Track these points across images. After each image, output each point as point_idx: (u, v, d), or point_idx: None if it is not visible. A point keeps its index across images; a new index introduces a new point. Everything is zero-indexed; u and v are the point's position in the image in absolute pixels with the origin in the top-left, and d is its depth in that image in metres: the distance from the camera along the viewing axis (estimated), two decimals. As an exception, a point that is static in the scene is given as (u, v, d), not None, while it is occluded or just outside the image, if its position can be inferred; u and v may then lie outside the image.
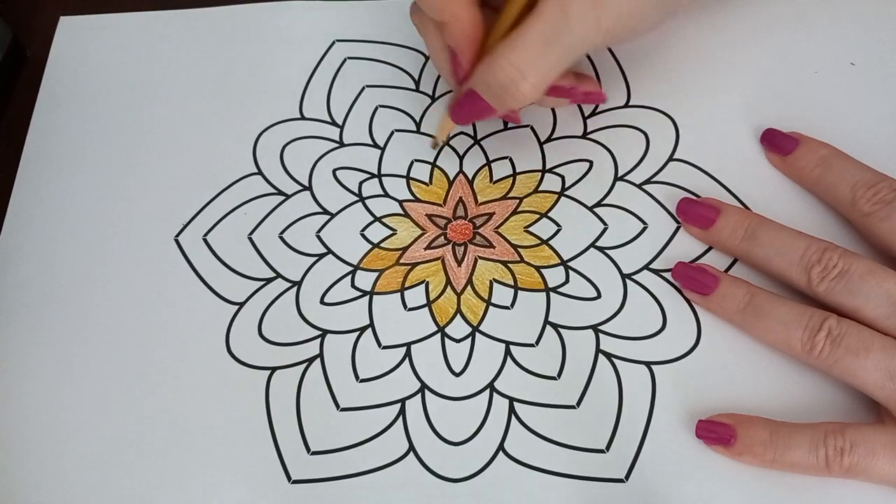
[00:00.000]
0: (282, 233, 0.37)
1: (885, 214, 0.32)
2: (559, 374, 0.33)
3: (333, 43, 0.43)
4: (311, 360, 0.34)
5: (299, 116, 0.41)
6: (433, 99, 0.41)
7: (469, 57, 0.33)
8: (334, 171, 0.39)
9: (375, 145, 0.40)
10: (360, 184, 0.38)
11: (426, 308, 0.35)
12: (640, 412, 0.32)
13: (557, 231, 0.36)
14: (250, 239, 0.37)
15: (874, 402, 0.31)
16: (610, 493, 0.31)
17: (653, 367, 0.33)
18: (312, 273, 0.36)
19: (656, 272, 0.35)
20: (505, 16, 0.33)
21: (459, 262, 0.36)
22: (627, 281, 0.35)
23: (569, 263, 0.36)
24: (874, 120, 0.37)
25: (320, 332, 0.35)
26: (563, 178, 0.38)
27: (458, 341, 0.34)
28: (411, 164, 0.39)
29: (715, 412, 0.32)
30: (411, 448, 0.32)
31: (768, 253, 0.33)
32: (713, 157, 0.37)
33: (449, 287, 0.35)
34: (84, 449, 0.33)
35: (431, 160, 0.39)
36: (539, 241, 0.36)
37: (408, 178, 0.38)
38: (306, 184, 0.39)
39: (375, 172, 0.39)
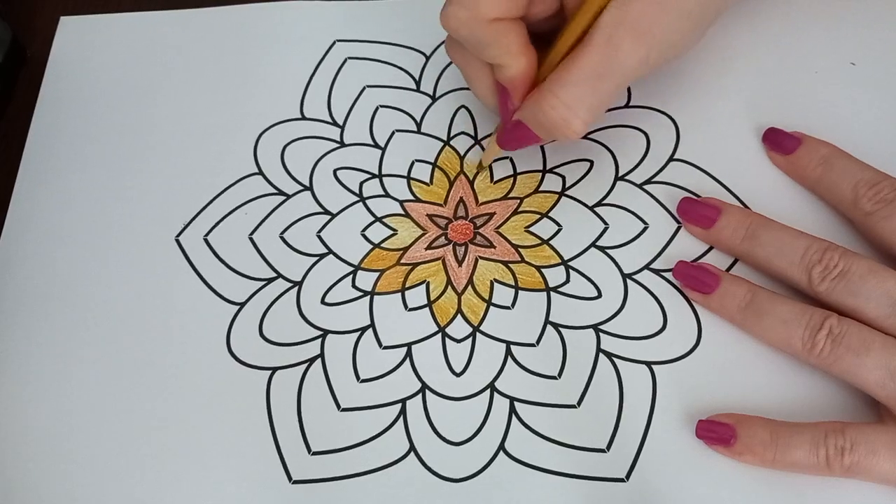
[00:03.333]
0: (282, 233, 0.37)
1: (886, 214, 0.32)
2: (560, 374, 0.33)
3: (334, 43, 0.43)
4: (311, 361, 0.34)
5: (300, 116, 0.41)
6: (434, 99, 0.41)
7: (522, 95, 0.33)
8: (335, 171, 0.39)
9: (376, 145, 0.40)
10: (361, 184, 0.39)
11: (427, 308, 0.35)
12: (641, 412, 0.32)
13: (558, 231, 0.36)
14: (251, 239, 0.37)
15: (875, 401, 0.31)
16: (610, 493, 0.31)
17: (653, 366, 0.33)
18: (313, 273, 0.36)
19: (657, 272, 0.35)
20: (557, 50, 0.32)
21: (460, 262, 0.36)
22: (628, 280, 0.35)
23: (569, 263, 0.36)
24: (874, 120, 0.37)
25: (321, 333, 0.35)
26: (563, 177, 0.38)
27: (458, 341, 0.34)
28: (412, 164, 0.39)
29: (715, 412, 0.32)
30: (412, 448, 0.32)
31: (769, 253, 0.33)
32: (714, 157, 0.37)
33: (450, 287, 0.35)
34: (84, 449, 0.33)
35: (432, 160, 0.39)
36: (540, 241, 0.36)
37: (408, 178, 0.38)
38: (307, 184, 0.39)
39: (376, 172, 0.39)
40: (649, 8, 0.31)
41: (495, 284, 0.35)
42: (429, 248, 0.37)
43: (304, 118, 0.41)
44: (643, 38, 0.31)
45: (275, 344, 0.35)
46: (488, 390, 0.33)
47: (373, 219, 0.38)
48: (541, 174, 0.38)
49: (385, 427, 0.33)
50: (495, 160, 0.38)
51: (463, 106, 0.40)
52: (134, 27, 0.44)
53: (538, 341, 0.34)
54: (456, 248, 0.36)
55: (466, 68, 0.35)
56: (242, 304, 0.36)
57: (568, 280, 0.35)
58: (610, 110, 0.39)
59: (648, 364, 0.33)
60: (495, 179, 0.38)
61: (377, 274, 0.36)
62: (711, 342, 0.33)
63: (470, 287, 0.35)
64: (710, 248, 0.35)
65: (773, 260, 0.33)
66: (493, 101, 0.35)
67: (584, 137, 0.39)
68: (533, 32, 0.34)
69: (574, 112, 0.32)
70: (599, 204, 0.37)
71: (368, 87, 0.41)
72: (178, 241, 0.37)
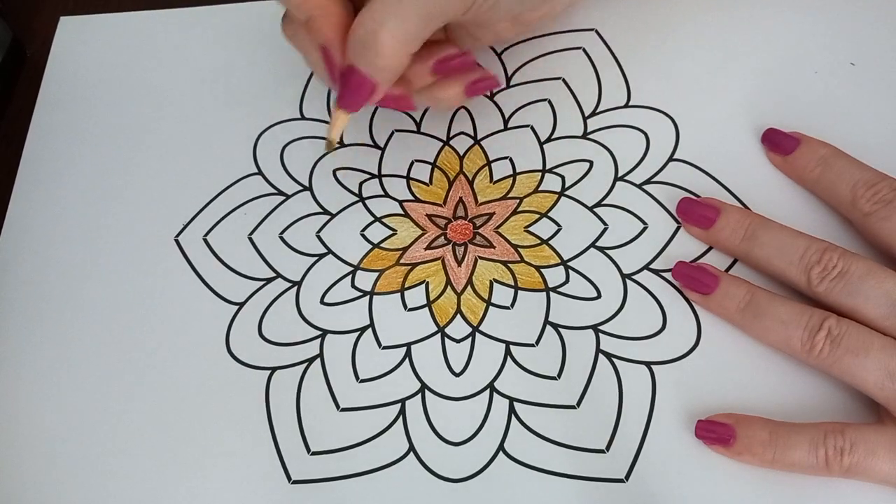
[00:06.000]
0: (282, 233, 0.37)
1: (885, 214, 0.32)
2: (559, 374, 0.33)
3: (333, 43, 0.43)
4: (311, 361, 0.34)
5: (299, 116, 0.41)
6: (433, 99, 0.40)
7: (341, 49, 0.32)
8: (334, 171, 0.39)
9: (375, 145, 0.40)
10: (361, 184, 0.39)
11: (426, 308, 0.35)
12: (640, 412, 0.32)
13: (557, 231, 0.36)
14: (250, 239, 0.37)
15: (874, 402, 0.31)
16: (610, 494, 0.31)
17: (653, 367, 0.33)
18: (312, 273, 0.36)
19: (656, 272, 0.35)
20: None
21: (459, 262, 0.36)
22: (627, 281, 0.35)
23: (569, 263, 0.36)
24: (874, 120, 0.37)
25: (320, 333, 0.35)
26: (563, 177, 0.38)
27: (458, 341, 0.34)
28: (411, 164, 0.39)
29: (715, 412, 0.32)
30: (411, 448, 0.32)
31: (768, 253, 0.33)
32: (713, 157, 0.37)
33: (449, 287, 0.35)
34: (84, 449, 0.33)
35: (432, 160, 0.39)
36: (539, 241, 0.36)
37: (408, 178, 0.38)
38: (306, 184, 0.39)
39: (375, 173, 0.39)
40: None
41: (495, 284, 0.35)
42: (428, 248, 0.37)
43: (303, 118, 0.41)
44: None
45: (274, 344, 0.35)
46: (488, 390, 0.33)
47: (372, 219, 0.38)
48: (540, 174, 0.38)
49: (384, 427, 0.33)
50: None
51: (462, 106, 0.40)
52: (134, 27, 0.44)
53: (538, 341, 0.34)
54: (455, 248, 0.36)
55: (298, 43, 0.34)
56: (242, 304, 0.36)
57: (567, 280, 0.35)
58: (609, 110, 0.39)
59: (648, 364, 0.33)
60: (495, 179, 0.38)
61: (376, 274, 0.36)
62: (711, 342, 0.33)
63: (469, 287, 0.35)
64: (710, 249, 0.35)
65: (772, 260, 0.33)
66: (325, 71, 0.33)
67: (584, 137, 0.39)
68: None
69: (380, 23, 0.30)
70: (599, 204, 0.37)
71: (368, 87, 0.41)
72: (177, 241, 0.38)
